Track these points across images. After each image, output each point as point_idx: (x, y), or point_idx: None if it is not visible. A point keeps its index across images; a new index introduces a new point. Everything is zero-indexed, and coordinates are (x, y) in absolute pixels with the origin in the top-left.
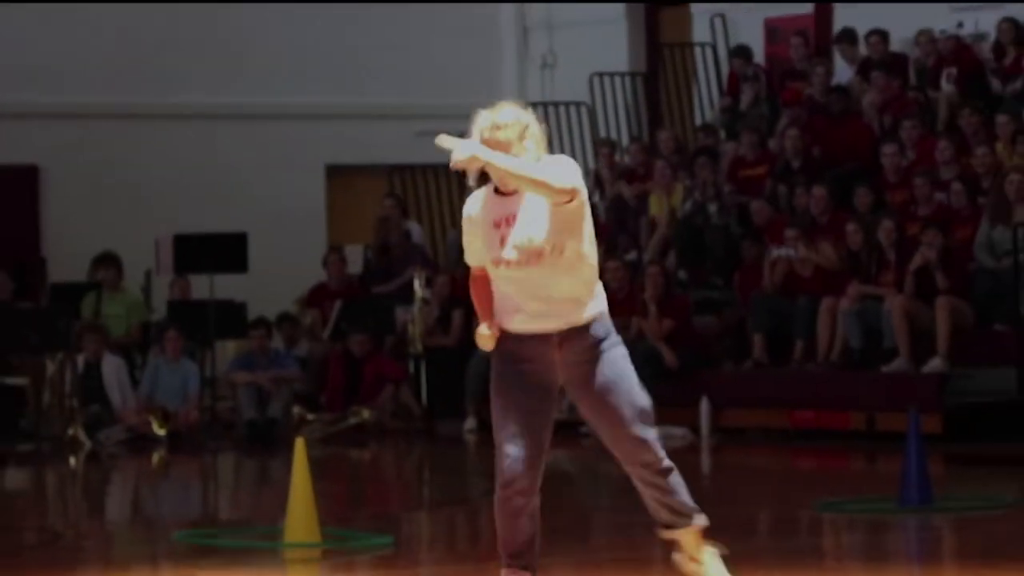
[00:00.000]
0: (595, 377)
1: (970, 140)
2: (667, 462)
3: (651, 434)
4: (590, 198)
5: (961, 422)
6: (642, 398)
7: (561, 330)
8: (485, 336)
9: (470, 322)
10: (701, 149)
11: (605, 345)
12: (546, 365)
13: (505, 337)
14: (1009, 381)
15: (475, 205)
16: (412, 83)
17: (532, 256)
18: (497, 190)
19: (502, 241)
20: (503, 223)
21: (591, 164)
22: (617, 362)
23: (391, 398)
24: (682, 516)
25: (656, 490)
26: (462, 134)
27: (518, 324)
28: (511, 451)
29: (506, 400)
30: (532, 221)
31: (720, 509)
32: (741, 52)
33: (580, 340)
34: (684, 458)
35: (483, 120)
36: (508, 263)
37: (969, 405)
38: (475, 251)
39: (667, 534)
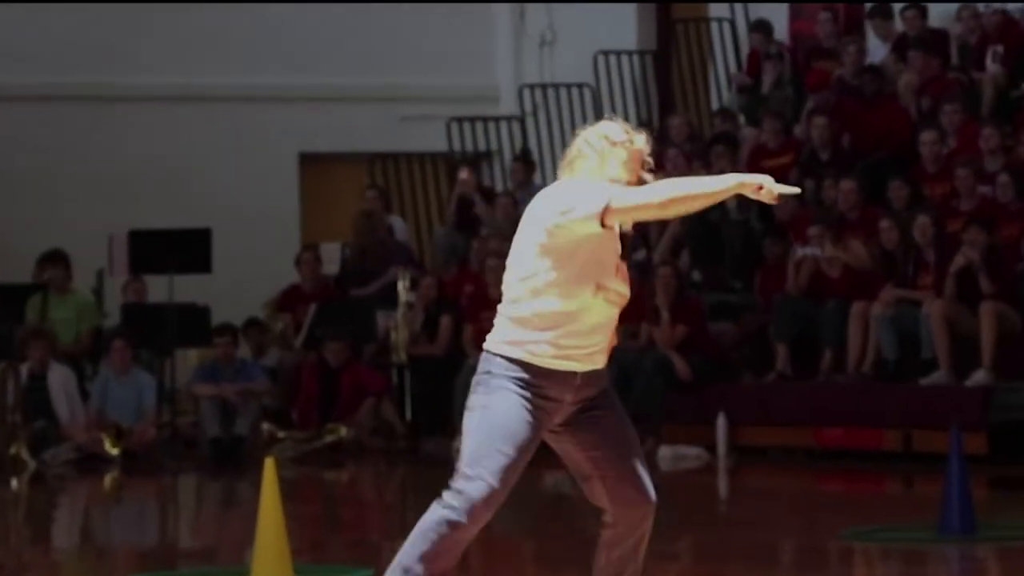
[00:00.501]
0: (610, 418)
1: (1019, 126)
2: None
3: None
4: None
5: (1008, 441)
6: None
7: (587, 372)
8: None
9: (458, 328)
10: (718, 136)
11: (609, 388)
12: (557, 407)
13: (527, 367)
14: None
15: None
16: (396, 63)
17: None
18: None
19: (617, 269)
20: (616, 254)
21: None
22: (619, 405)
23: (371, 413)
24: None
25: (635, 552)
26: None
27: (548, 359)
28: (500, 484)
29: (510, 430)
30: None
31: (738, 536)
32: (762, 27)
33: (599, 383)
34: (698, 480)
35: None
36: (617, 297)
37: (1017, 422)
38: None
39: None
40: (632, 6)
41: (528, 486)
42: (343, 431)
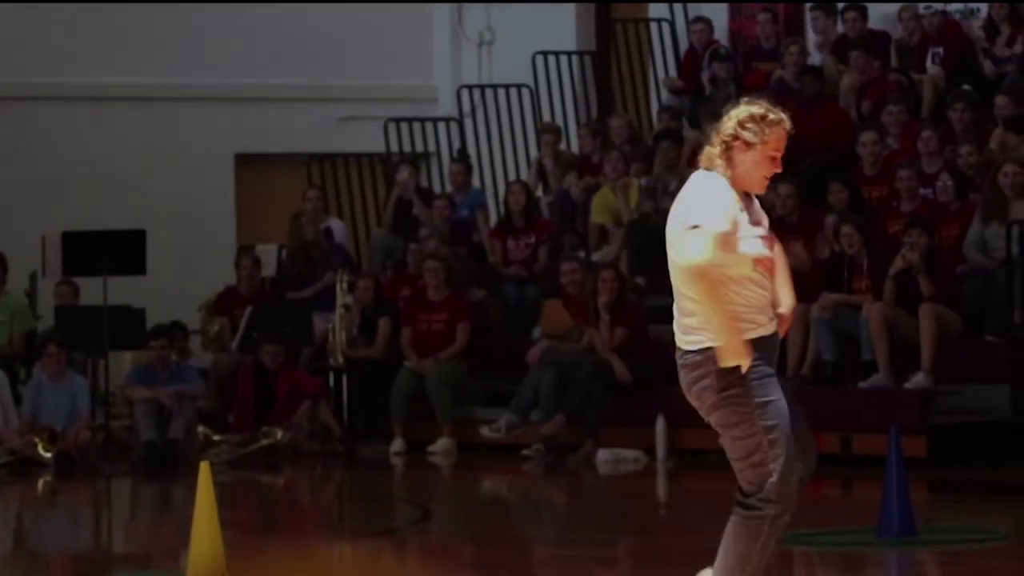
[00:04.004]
0: (782, 382)
1: (958, 129)
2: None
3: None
4: (532, 192)
5: (947, 445)
6: None
7: (773, 333)
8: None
9: (397, 331)
10: (663, 132)
11: None
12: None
13: (757, 342)
14: (1001, 399)
15: (730, 195)
16: (333, 63)
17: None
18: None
19: (768, 238)
20: (759, 225)
21: (533, 152)
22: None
23: (308, 416)
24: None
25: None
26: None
27: (764, 329)
28: (796, 465)
29: (781, 408)
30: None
31: (678, 540)
32: (701, 27)
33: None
34: (638, 483)
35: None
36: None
37: (956, 426)
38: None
39: None
40: (571, 6)
41: (466, 491)
42: (279, 434)
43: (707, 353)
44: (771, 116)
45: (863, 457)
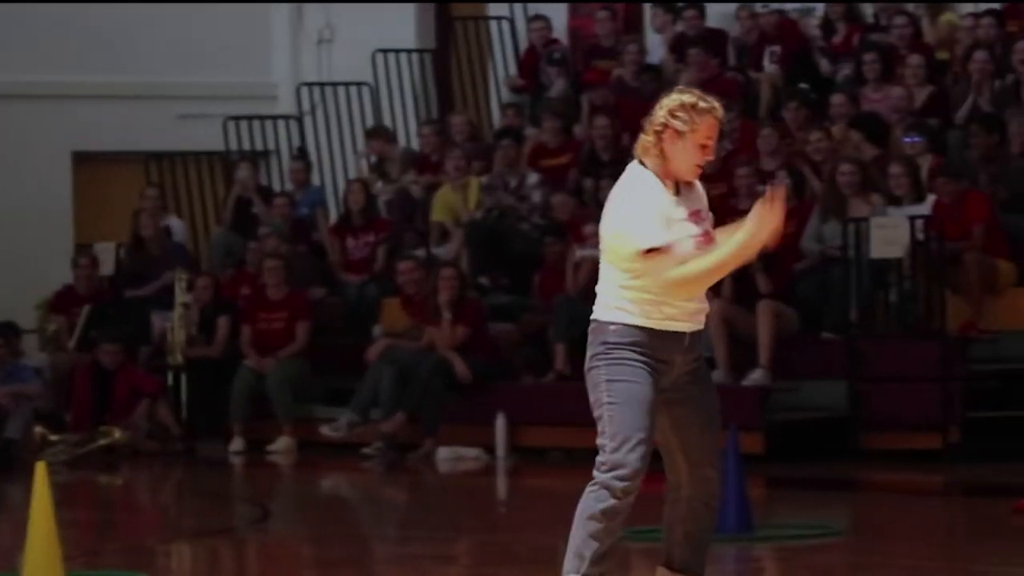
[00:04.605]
0: (702, 382)
1: (793, 127)
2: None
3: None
4: (370, 188)
5: (784, 441)
6: None
7: (693, 332)
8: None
9: (236, 330)
10: (504, 130)
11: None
12: (668, 368)
13: (641, 330)
14: (837, 396)
15: (656, 192)
16: (173, 61)
17: None
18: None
19: (699, 240)
20: (696, 216)
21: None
22: (710, 378)
23: (146, 415)
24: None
25: (707, 519)
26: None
27: (662, 322)
28: (644, 447)
29: (638, 395)
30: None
31: (517, 538)
32: (541, 25)
33: (699, 345)
34: (477, 481)
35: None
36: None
37: (793, 422)
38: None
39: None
40: (410, 4)
41: (306, 490)
42: (117, 434)
43: (594, 325)
44: (702, 104)
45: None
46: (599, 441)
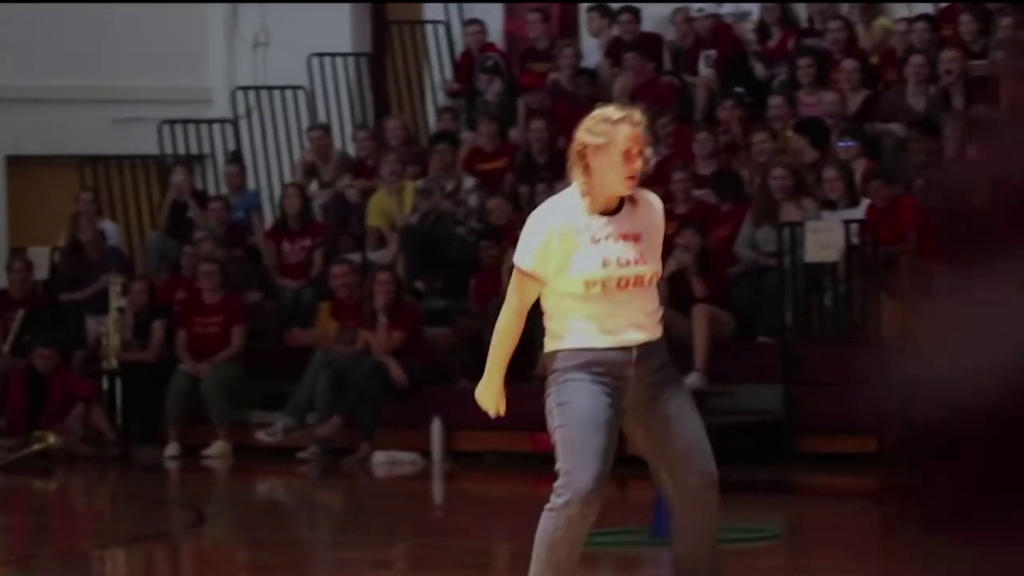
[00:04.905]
0: (669, 393)
1: (732, 131)
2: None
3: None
4: (303, 190)
5: (721, 444)
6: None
7: (642, 344)
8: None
9: (171, 334)
10: (440, 134)
11: (669, 365)
12: (624, 384)
13: (585, 352)
14: (774, 399)
15: (562, 212)
16: (107, 64)
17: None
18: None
19: (622, 260)
20: (630, 239)
21: (309, 155)
22: (682, 387)
23: (81, 420)
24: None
25: (703, 526)
26: None
27: (604, 338)
28: (599, 469)
29: (591, 416)
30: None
31: (453, 543)
32: (476, 28)
33: (656, 354)
34: (414, 486)
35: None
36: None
37: (729, 426)
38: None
39: None
40: (346, 8)
41: (242, 494)
42: (52, 439)
43: (545, 358)
44: (616, 115)
45: (638, 457)
46: (556, 466)
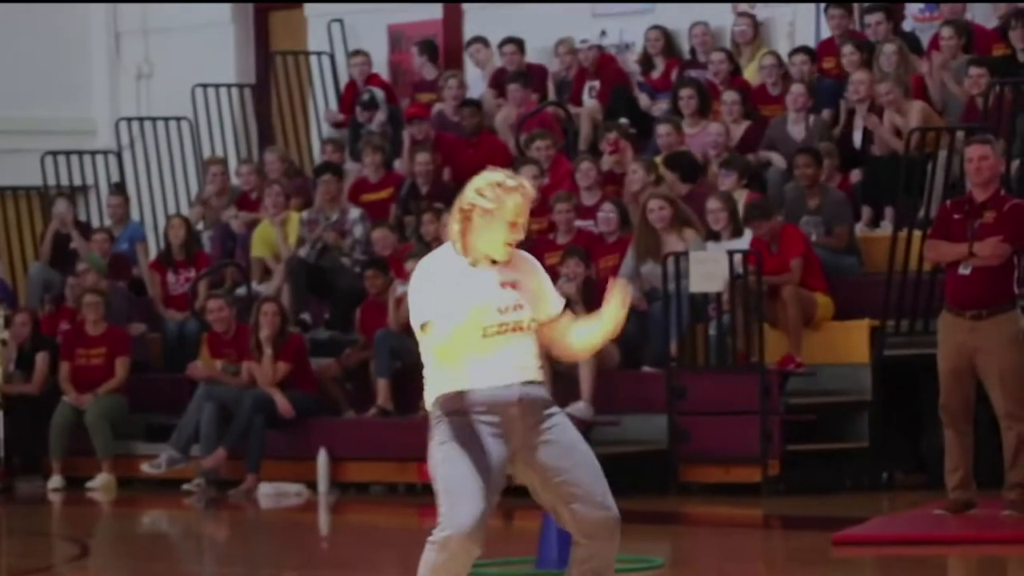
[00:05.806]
0: (556, 436)
1: (607, 153)
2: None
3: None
4: (188, 221)
5: (606, 474)
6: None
7: (523, 382)
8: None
9: (55, 367)
10: (325, 165)
11: (555, 410)
12: (511, 421)
13: (462, 395)
14: (658, 429)
15: (442, 259)
16: None
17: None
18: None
19: (501, 307)
20: (504, 285)
21: (193, 186)
22: (570, 428)
23: None
24: None
25: (611, 552)
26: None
27: (479, 379)
28: (482, 507)
29: (471, 456)
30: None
31: (341, 573)
32: (361, 59)
33: (540, 395)
34: (299, 517)
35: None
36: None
37: (615, 455)
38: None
39: None
40: (230, 39)
41: (126, 527)
42: None
43: (429, 397)
44: (509, 183)
45: (523, 488)
46: (438, 506)
